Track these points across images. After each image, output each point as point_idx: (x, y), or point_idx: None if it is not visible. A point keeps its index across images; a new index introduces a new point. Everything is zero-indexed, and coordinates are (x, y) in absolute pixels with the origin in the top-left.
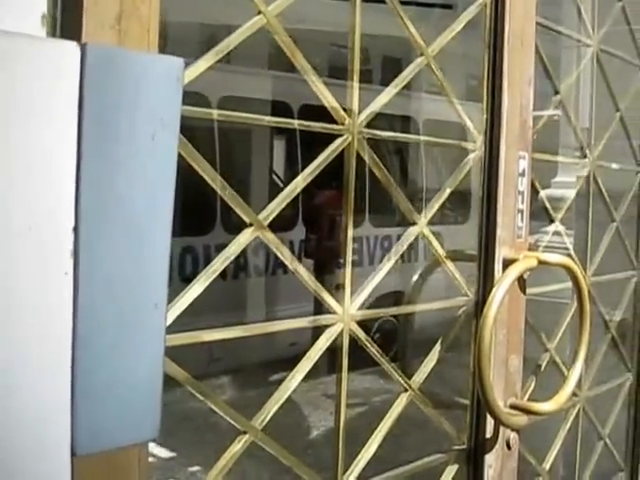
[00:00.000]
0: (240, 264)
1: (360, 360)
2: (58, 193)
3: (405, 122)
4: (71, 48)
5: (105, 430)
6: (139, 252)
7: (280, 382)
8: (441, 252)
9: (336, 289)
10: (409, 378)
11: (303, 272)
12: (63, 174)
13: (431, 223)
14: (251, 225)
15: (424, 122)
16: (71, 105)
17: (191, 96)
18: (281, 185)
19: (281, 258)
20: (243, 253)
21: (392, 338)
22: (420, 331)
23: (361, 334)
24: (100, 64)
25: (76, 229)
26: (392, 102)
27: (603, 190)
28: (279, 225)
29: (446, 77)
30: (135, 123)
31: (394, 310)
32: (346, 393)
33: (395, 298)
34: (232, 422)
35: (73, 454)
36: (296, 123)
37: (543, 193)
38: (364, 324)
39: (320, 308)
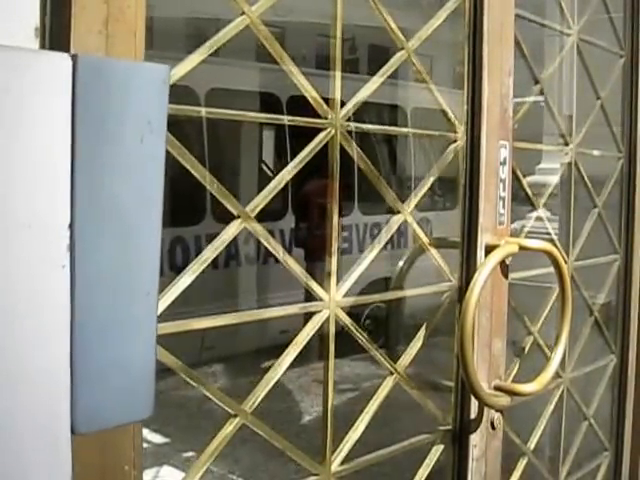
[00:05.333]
0: (231, 254)
1: (352, 346)
2: (55, 193)
3: (393, 111)
4: (63, 59)
5: (102, 410)
6: (131, 245)
7: (271, 369)
8: (425, 239)
9: (328, 277)
10: (398, 362)
11: (290, 260)
12: (59, 175)
13: (422, 210)
14: (239, 217)
15: (412, 110)
16: (64, 112)
17: (179, 89)
18: (270, 175)
19: (268, 247)
20: (234, 243)
21: (382, 324)
22: (411, 316)
23: (347, 320)
24: (90, 73)
25: (72, 225)
26: (381, 91)
27: (585, 176)
28: (269, 215)
29: (437, 65)
30: (124, 127)
31: (378, 297)
32: (337, 378)
33: (386, 284)
34: (223, 406)
35: (73, 432)
36: (286, 119)
37: (527, 180)
38: (353, 311)
39: (311, 296)
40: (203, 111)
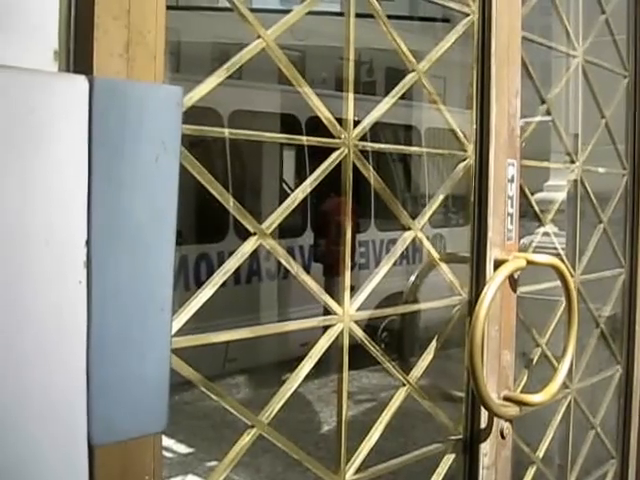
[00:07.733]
0: (253, 270)
1: (369, 358)
2: (72, 211)
3: (408, 131)
4: (80, 81)
5: (118, 423)
6: (145, 262)
7: (287, 381)
8: (435, 255)
9: (342, 291)
10: (410, 374)
11: (304, 275)
12: (76, 194)
13: (436, 226)
14: (255, 234)
15: (426, 130)
16: (82, 132)
17: (203, 111)
18: (290, 193)
19: (283, 262)
20: (256, 259)
21: (399, 336)
22: (425, 329)
23: (360, 333)
24: (106, 95)
25: (88, 242)
26: (397, 112)
27: (590, 193)
28: (290, 231)
29: (450, 86)
30: (139, 147)
31: (390, 310)
32: (355, 389)
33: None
34: (240, 417)
35: (90, 444)
36: (302, 139)
37: (536, 196)
38: (371, 324)
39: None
40: (226, 132)
